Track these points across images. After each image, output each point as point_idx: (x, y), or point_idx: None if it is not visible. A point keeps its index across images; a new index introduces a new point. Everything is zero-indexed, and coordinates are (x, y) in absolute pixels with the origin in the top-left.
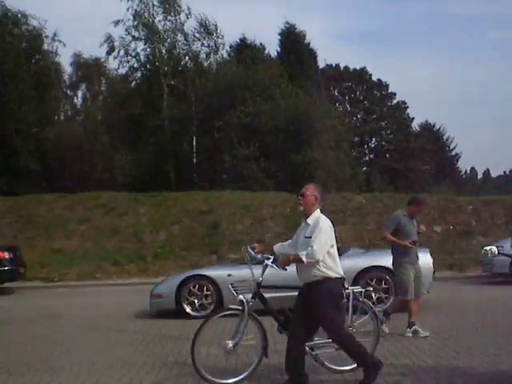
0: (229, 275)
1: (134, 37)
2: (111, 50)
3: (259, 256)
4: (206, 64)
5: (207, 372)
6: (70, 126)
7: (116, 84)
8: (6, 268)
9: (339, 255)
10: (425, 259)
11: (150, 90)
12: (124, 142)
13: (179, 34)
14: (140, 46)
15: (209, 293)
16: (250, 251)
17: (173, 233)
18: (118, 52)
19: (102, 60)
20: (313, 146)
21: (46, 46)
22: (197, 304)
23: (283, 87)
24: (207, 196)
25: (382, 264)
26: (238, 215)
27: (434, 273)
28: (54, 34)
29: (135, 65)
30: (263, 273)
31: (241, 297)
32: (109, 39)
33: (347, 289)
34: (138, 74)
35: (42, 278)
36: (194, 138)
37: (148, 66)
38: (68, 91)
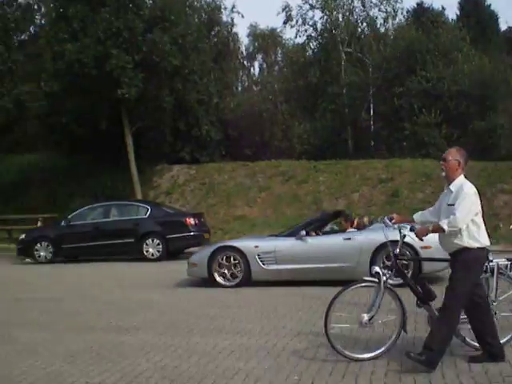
0: (256, 247)
1: (311, 5)
2: (288, 19)
3: (396, 226)
4: (383, 30)
5: (342, 345)
6: (249, 96)
7: (292, 53)
8: (192, 233)
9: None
10: None
11: (328, 57)
12: (302, 110)
13: (356, 1)
14: (317, 14)
15: (237, 262)
16: (387, 221)
17: (353, 201)
18: (296, 22)
19: (279, 30)
20: (498, 111)
21: (224, 18)
22: (228, 274)
23: (465, 51)
24: (387, 164)
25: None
26: (418, 183)
27: None
28: (233, 6)
29: (312, 34)
30: (401, 243)
31: (377, 268)
32: (286, 8)
33: (491, 261)
34: (315, 43)
35: None
36: (372, 105)
37: (325, 34)
38: (245, 62)
